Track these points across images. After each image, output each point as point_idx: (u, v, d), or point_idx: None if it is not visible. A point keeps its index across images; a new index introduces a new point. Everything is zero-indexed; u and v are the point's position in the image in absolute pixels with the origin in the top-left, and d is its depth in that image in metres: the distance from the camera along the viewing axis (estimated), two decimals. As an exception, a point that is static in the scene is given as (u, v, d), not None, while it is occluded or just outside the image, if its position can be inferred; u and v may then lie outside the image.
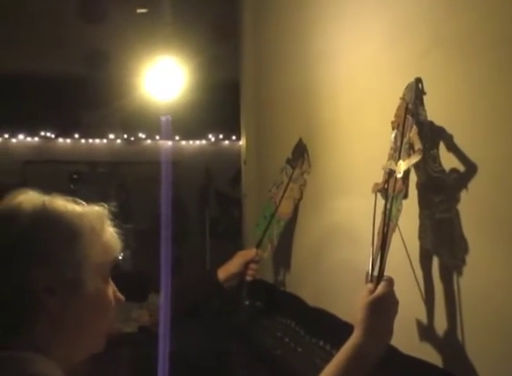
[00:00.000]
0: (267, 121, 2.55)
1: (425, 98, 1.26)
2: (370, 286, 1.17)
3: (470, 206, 1.14)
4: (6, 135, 6.10)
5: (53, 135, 6.17)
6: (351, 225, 1.68)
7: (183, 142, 6.54)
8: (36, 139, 6.20)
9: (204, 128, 6.26)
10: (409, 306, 1.24)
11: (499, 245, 1.07)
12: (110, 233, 1.06)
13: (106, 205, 1.07)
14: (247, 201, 2.68)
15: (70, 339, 0.99)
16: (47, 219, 0.98)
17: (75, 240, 0.98)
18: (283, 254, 2.32)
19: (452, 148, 1.17)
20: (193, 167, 6.11)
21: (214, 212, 5.89)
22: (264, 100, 2.58)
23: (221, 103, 4.46)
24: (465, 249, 1.14)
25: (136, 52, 3.96)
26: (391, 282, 1.15)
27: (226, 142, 6.50)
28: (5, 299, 0.94)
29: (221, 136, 6.45)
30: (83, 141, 6.31)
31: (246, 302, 2.64)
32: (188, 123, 5.75)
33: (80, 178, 5.71)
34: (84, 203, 1.05)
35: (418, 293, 1.29)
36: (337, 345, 1.70)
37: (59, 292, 0.96)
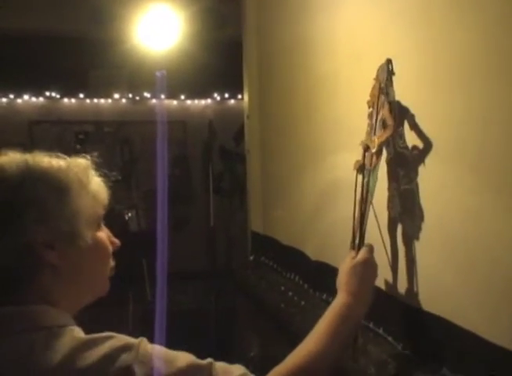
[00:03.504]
0: (269, 75, 2.51)
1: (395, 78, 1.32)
2: (353, 253, 1.29)
3: (426, 180, 1.26)
4: (11, 96, 6.08)
5: (58, 95, 6.15)
6: (352, 178, 1.66)
7: (189, 102, 6.50)
8: (41, 99, 6.18)
9: (210, 87, 6.22)
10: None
11: (451, 214, 1.18)
12: (96, 182, 1.09)
13: (88, 156, 1.10)
14: (251, 157, 2.66)
15: (74, 289, 1.03)
16: (34, 177, 0.99)
17: (65, 194, 1.01)
18: (286, 209, 2.31)
19: (414, 127, 1.29)
20: (200, 126, 6.07)
21: (218, 169, 5.87)
22: (266, 54, 2.54)
23: (227, 61, 4.41)
24: (421, 217, 1.27)
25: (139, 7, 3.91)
26: (370, 248, 1.27)
27: (232, 101, 6.47)
28: (8, 257, 0.96)
29: (226, 95, 6.43)
30: (88, 101, 6.29)
31: (251, 257, 2.65)
32: (194, 81, 5.72)
33: (86, 139, 5.69)
34: (66, 157, 1.07)
35: (384, 253, 1.41)
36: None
37: (58, 246, 0.99)
